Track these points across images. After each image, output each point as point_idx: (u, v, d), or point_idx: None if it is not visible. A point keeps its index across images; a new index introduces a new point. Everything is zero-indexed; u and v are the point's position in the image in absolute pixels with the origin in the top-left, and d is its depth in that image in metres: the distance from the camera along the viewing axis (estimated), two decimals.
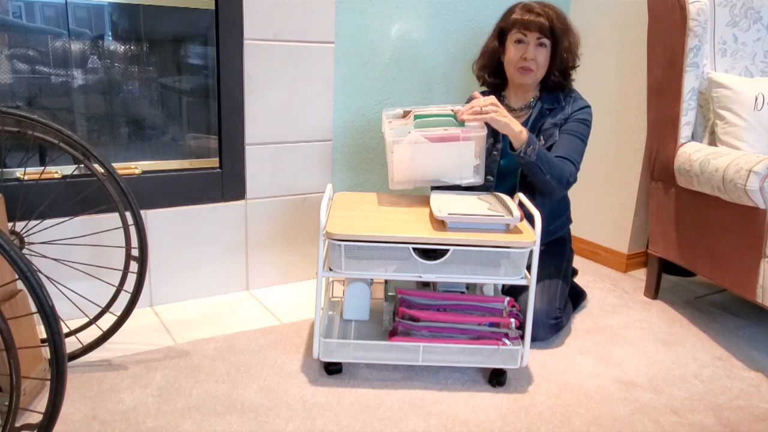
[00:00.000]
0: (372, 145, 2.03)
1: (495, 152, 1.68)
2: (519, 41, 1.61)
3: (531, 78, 1.62)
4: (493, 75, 1.72)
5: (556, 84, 1.66)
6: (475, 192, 1.55)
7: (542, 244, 1.72)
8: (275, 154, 1.81)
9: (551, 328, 1.59)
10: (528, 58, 1.59)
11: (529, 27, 1.58)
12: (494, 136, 1.67)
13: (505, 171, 1.69)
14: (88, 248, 1.56)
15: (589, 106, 1.66)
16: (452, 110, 1.51)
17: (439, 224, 1.34)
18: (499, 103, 1.48)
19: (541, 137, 1.64)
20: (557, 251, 1.74)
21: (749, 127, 1.65)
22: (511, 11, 1.65)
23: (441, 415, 1.27)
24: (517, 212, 1.33)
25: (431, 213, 1.42)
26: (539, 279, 1.63)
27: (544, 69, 1.63)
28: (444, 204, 1.39)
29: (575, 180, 1.58)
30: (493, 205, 1.41)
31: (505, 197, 1.46)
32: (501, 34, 1.67)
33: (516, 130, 1.47)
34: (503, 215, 1.32)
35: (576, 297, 1.85)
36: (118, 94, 1.59)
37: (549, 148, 1.61)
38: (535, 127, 1.65)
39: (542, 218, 1.69)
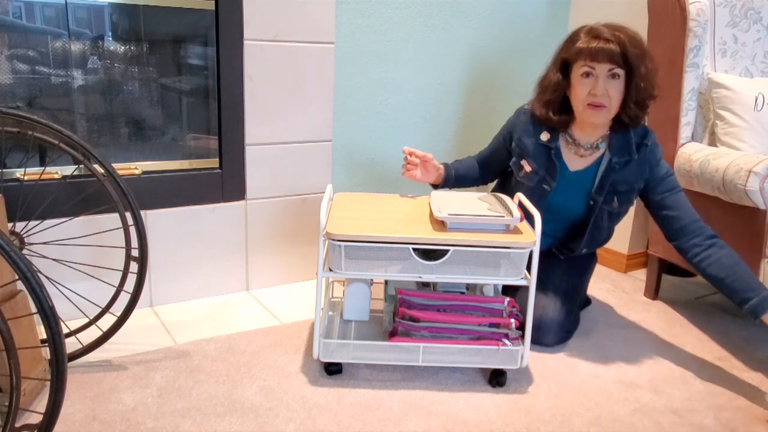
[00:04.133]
0: (372, 145, 2.03)
1: (546, 186, 1.52)
2: (587, 74, 1.40)
3: (604, 115, 1.42)
4: (559, 112, 1.49)
5: (631, 119, 1.44)
6: (475, 192, 1.55)
7: (583, 253, 1.65)
8: (275, 155, 1.81)
9: (562, 338, 1.58)
10: (598, 93, 1.38)
11: (597, 57, 1.37)
12: (548, 171, 1.52)
13: (558, 209, 1.56)
14: (88, 248, 1.56)
15: (661, 150, 1.51)
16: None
17: (439, 224, 1.34)
18: None
19: (615, 199, 1.51)
20: (585, 263, 1.69)
21: (749, 128, 1.65)
22: (575, 38, 1.43)
23: (441, 415, 1.27)
24: (517, 212, 1.33)
25: (431, 213, 1.42)
26: (562, 288, 1.59)
27: (618, 102, 1.41)
28: (444, 204, 1.39)
29: None
30: (493, 205, 1.41)
31: (505, 197, 1.46)
32: (564, 65, 1.45)
33: None
34: (503, 215, 1.32)
35: (581, 304, 1.83)
36: (118, 95, 1.59)
37: (660, 213, 1.49)
38: (603, 185, 1.50)
39: (608, 235, 1.61)
